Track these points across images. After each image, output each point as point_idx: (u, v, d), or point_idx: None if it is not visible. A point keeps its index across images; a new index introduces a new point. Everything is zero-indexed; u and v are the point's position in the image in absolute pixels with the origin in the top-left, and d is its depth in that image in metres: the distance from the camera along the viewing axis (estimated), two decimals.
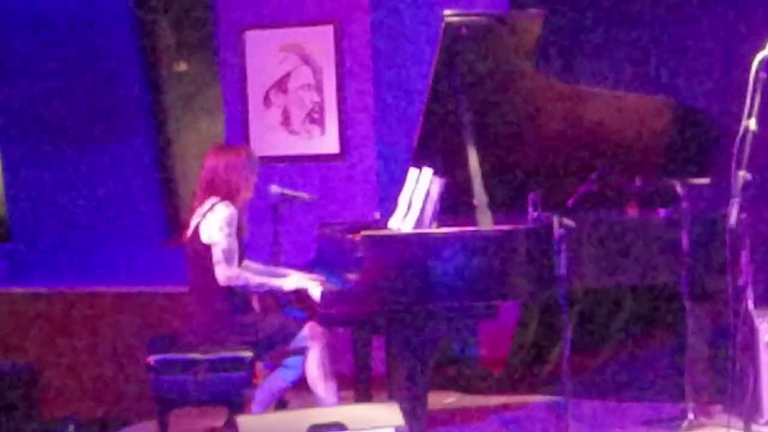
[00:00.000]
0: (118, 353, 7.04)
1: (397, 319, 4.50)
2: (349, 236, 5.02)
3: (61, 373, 7.11)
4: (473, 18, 4.78)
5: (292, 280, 4.99)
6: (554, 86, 5.15)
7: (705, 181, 5.16)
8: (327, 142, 6.74)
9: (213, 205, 4.93)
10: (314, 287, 4.86)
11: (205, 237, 4.90)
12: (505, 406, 5.93)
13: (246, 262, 5.05)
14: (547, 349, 6.20)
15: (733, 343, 4.59)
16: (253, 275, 4.98)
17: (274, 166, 6.62)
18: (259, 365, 5.10)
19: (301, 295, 5.02)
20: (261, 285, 4.98)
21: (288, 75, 6.79)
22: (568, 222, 4.56)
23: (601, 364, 6.08)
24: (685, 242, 4.88)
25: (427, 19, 6.49)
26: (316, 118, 6.75)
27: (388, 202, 5.47)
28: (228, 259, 4.87)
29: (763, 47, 4.06)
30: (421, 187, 4.82)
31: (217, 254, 4.87)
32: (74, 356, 7.15)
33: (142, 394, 6.10)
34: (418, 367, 4.52)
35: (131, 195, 7.56)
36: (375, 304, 4.48)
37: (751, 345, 5.06)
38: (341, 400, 5.02)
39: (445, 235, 4.56)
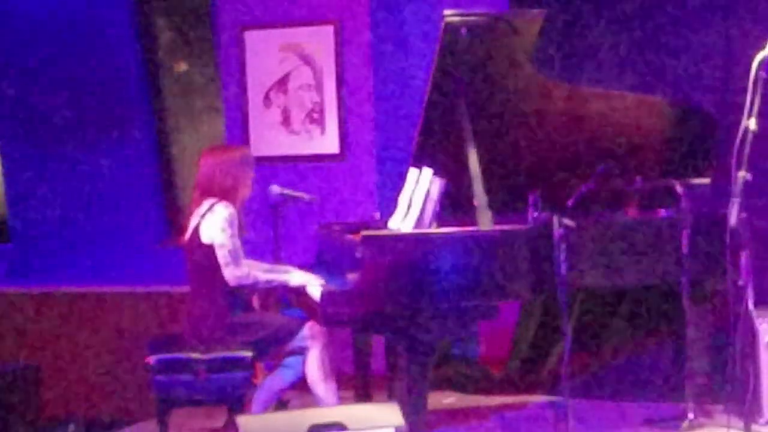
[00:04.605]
0: (118, 353, 7.03)
1: (397, 320, 4.50)
2: (349, 236, 5.02)
3: (61, 373, 7.10)
4: (473, 18, 4.77)
5: (298, 275, 4.99)
6: (554, 86, 5.14)
7: (705, 181, 5.15)
8: (327, 142, 6.73)
9: (212, 206, 4.92)
10: (316, 286, 4.86)
11: (205, 238, 4.89)
12: (505, 406, 5.93)
13: (248, 261, 5.04)
14: (547, 349, 6.19)
15: (733, 343, 4.59)
16: (261, 273, 4.98)
17: (274, 166, 6.62)
18: (259, 365, 5.11)
19: (301, 295, 5.02)
20: (269, 282, 4.98)
21: (288, 75, 6.78)
22: (568, 222, 4.55)
23: (601, 364, 6.08)
24: (685, 242, 4.87)
25: (427, 19, 6.48)
26: (316, 118, 6.74)
27: (388, 202, 5.47)
28: (235, 260, 4.87)
29: (763, 47, 4.06)
30: (421, 187, 4.82)
31: (223, 256, 4.86)
32: (74, 356, 7.15)
33: (142, 394, 6.10)
34: (418, 367, 4.52)
35: (131, 195, 7.56)
36: (375, 304, 4.47)
37: (751, 345, 5.06)
38: (341, 400, 5.02)
39: (445, 235, 4.55)
